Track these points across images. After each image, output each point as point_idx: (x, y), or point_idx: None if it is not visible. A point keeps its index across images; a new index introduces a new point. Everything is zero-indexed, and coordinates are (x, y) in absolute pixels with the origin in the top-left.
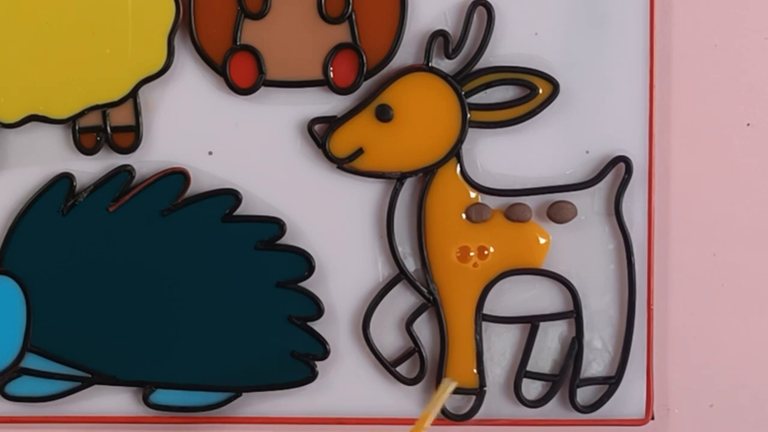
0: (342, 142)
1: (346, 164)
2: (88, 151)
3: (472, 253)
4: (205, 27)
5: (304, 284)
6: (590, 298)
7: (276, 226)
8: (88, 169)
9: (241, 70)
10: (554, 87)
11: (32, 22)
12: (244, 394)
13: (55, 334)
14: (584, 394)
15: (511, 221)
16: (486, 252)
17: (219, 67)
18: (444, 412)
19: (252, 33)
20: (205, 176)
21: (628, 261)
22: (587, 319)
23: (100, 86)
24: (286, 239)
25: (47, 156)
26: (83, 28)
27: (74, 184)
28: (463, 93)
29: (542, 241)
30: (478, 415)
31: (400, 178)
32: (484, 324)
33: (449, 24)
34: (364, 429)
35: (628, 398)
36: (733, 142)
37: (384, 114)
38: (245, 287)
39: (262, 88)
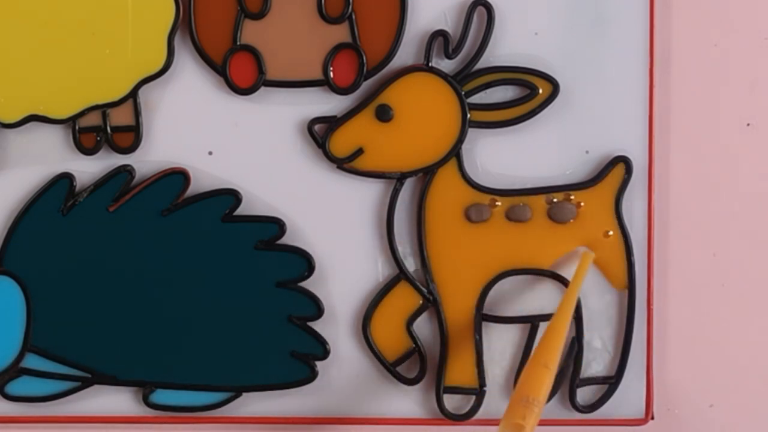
0: (342, 142)
1: (346, 164)
2: (88, 151)
3: None
4: (205, 27)
5: (304, 284)
6: (590, 298)
7: (276, 226)
8: (88, 169)
9: (241, 70)
10: (554, 87)
11: (32, 22)
12: (244, 394)
13: (55, 334)
14: (584, 394)
15: (510, 221)
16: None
17: (219, 67)
18: (444, 411)
19: (252, 33)
20: (205, 176)
21: (628, 261)
22: (587, 319)
23: (100, 86)
24: (286, 239)
25: (47, 156)
26: (83, 28)
27: (74, 184)
28: (463, 93)
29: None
30: (478, 415)
31: (400, 178)
32: (484, 324)
33: (449, 24)
34: (364, 429)
35: (628, 398)
36: (733, 142)
37: (384, 114)
38: (245, 287)
39: (262, 88)
